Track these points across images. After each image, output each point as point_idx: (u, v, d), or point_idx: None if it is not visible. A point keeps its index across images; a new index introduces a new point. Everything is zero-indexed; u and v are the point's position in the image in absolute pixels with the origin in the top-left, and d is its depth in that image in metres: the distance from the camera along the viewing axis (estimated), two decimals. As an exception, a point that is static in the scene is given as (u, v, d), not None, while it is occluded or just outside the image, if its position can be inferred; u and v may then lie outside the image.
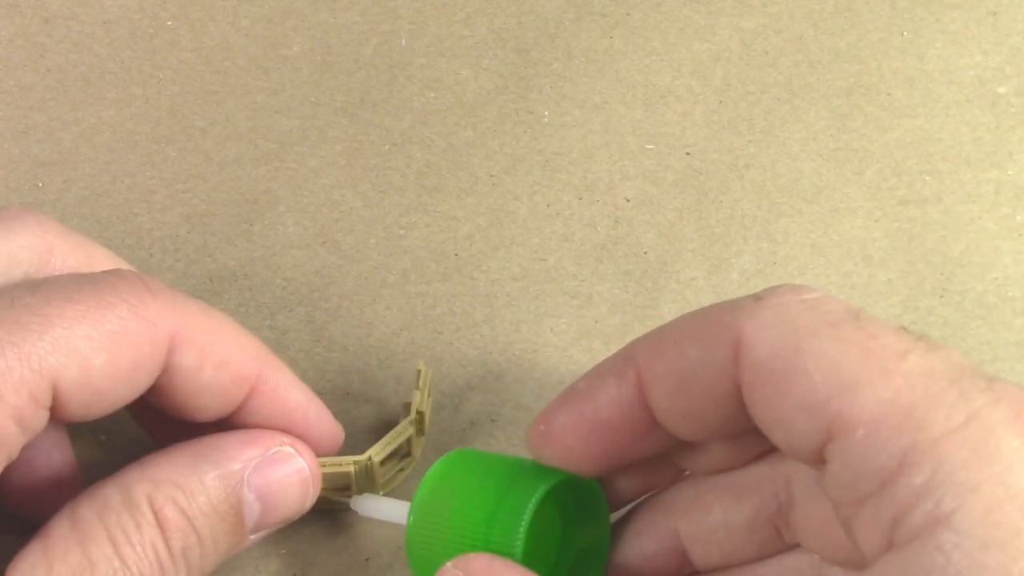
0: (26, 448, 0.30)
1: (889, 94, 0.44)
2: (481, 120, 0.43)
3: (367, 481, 0.33)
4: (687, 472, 0.30)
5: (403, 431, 0.33)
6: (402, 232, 0.40)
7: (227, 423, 0.30)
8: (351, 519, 0.34)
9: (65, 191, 0.41)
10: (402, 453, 0.34)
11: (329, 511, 0.34)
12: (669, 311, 0.38)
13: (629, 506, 0.30)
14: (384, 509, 0.31)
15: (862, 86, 0.44)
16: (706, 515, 0.28)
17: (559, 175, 0.41)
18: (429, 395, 0.35)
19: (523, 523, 0.27)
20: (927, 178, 0.41)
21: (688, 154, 0.42)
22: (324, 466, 0.31)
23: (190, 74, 0.44)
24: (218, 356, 0.28)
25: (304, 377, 0.31)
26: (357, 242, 0.40)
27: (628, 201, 0.41)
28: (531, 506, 0.27)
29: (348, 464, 0.32)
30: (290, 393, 0.30)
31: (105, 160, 0.42)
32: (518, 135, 0.43)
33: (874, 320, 0.24)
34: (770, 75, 0.44)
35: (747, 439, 0.27)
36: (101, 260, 0.30)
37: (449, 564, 0.26)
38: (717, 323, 0.25)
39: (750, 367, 0.24)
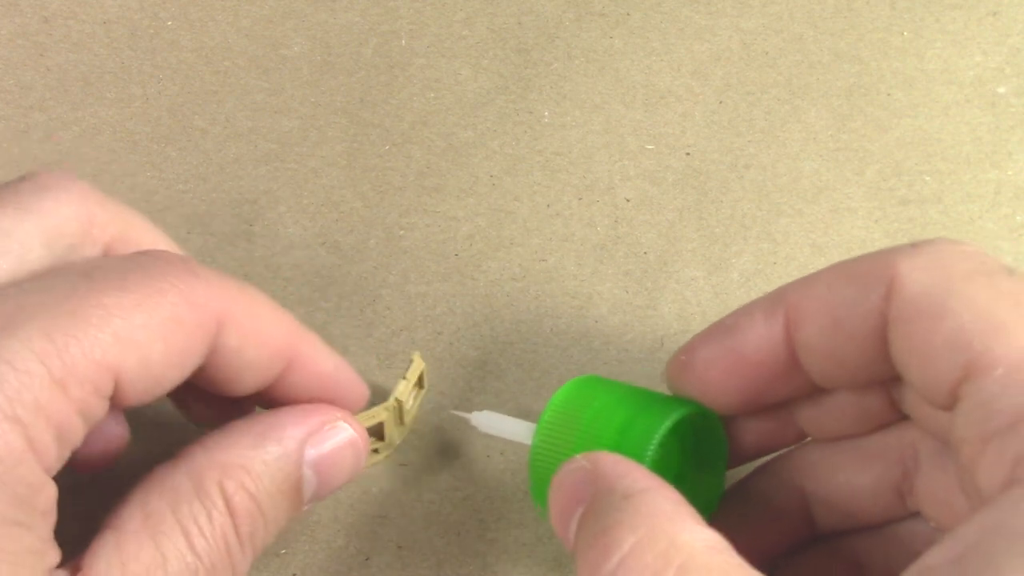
0: None
1: (889, 94, 0.44)
2: (481, 120, 0.43)
3: None
4: (807, 439, 0.30)
5: (376, 414, 0.33)
6: (402, 232, 0.40)
7: (263, 396, 0.30)
8: (351, 518, 0.34)
9: (65, 191, 0.41)
10: (376, 435, 0.34)
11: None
12: (669, 311, 0.38)
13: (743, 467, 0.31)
14: (506, 427, 0.32)
15: (862, 86, 0.44)
16: (832, 477, 0.29)
17: (559, 175, 0.41)
18: (423, 388, 0.35)
19: (656, 437, 0.27)
20: (927, 178, 0.41)
21: (688, 154, 0.42)
22: None
23: (190, 74, 0.44)
24: (258, 335, 0.29)
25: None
26: (357, 242, 0.40)
27: (628, 201, 0.41)
28: (666, 424, 0.27)
29: None
30: (323, 363, 0.30)
31: (105, 160, 0.42)
32: (518, 135, 0.43)
33: None
34: (770, 75, 0.44)
35: (873, 399, 0.28)
36: (139, 228, 0.30)
37: (579, 456, 0.26)
38: (872, 264, 0.26)
39: (901, 303, 0.25)
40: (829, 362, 0.27)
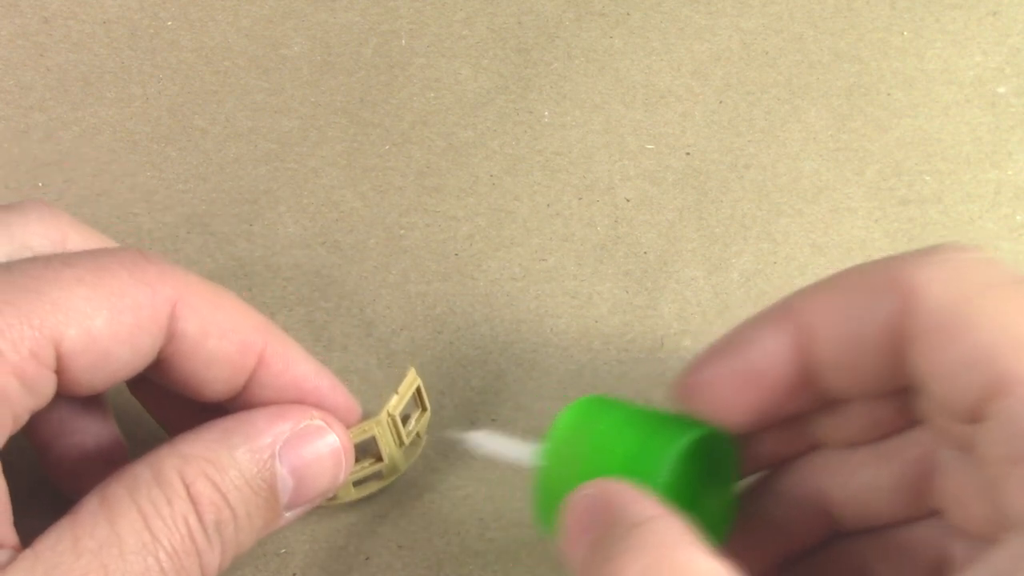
0: (76, 433, 0.31)
1: (889, 94, 0.44)
2: (481, 120, 0.43)
3: None
4: (820, 446, 0.29)
5: (367, 429, 0.32)
6: (402, 232, 0.40)
7: (238, 401, 0.29)
8: (351, 518, 0.34)
9: (65, 191, 0.41)
10: (373, 455, 0.33)
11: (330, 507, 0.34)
12: (669, 311, 0.38)
13: (762, 473, 0.30)
14: (507, 448, 0.31)
15: (862, 86, 0.44)
16: (852, 477, 0.28)
17: (559, 175, 0.41)
18: (427, 410, 0.34)
19: (669, 463, 0.26)
20: (927, 178, 0.41)
21: (688, 154, 0.42)
22: None
23: (190, 74, 0.44)
24: (222, 325, 0.28)
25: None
26: (357, 242, 0.40)
27: (628, 201, 0.41)
28: (678, 449, 0.27)
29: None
30: (299, 365, 0.30)
31: (105, 160, 0.42)
32: (518, 135, 0.43)
33: None
34: (770, 75, 0.44)
35: (888, 407, 0.27)
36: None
37: (588, 483, 0.26)
38: (888, 273, 0.25)
39: (920, 316, 0.24)
40: (843, 374, 0.26)
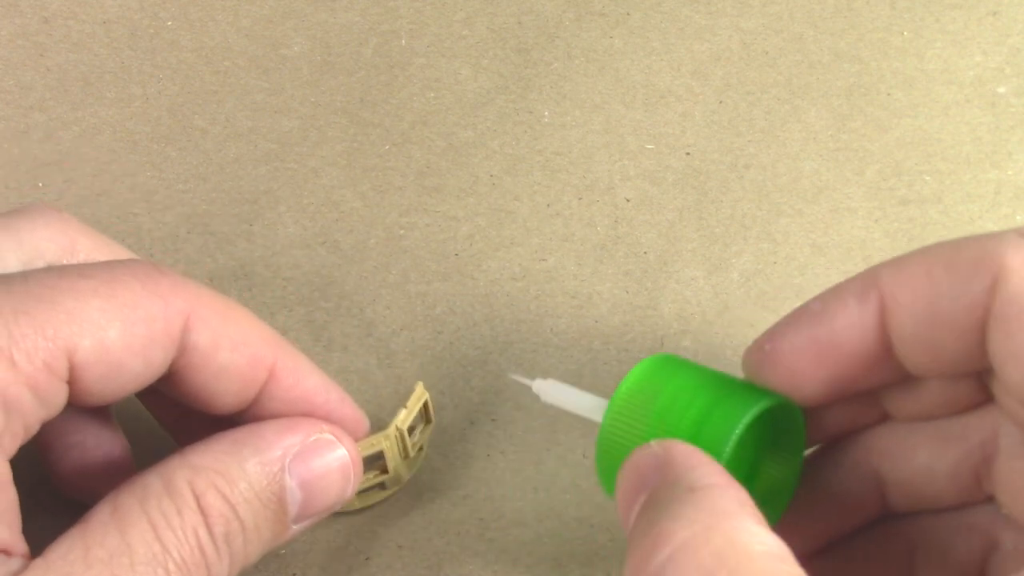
0: (77, 433, 0.31)
1: (889, 94, 0.44)
2: (481, 120, 0.43)
3: None
4: (891, 418, 0.29)
5: (375, 443, 0.32)
6: (402, 232, 0.40)
7: (248, 414, 0.29)
8: (351, 519, 0.34)
9: (65, 191, 0.41)
10: (379, 467, 0.33)
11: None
12: (669, 311, 0.38)
13: (816, 447, 0.30)
14: (572, 399, 0.30)
15: (862, 86, 0.44)
16: (911, 459, 0.28)
17: (559, 175, 0.41)
18: (431, 423, 0.35)
19: (735, 432, 0.26)
20: (927, 178, 0.41)
21: (688, 154, 0.42)
22: None
23: (190, 74, 0.44)
24: (233, 337, 0.28)
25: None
26: (357, 242, 0.40)
27: (628, 201, 0.41)
28: (746, 419, 0.26)
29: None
30: (310, 379, 0.30)
31: (105, 160, 0.42)
32: (518, 135, 0.43)
33: None
34: (770, 75, 0.44)
35: (965, 385, 0.27)
36: (123, 255, 0.31)
37: (654, 441, 0.25)
38: (976, 252, 0.24)
39: (1006, 299, 0.24)
40: (925, 352, 0.25)
